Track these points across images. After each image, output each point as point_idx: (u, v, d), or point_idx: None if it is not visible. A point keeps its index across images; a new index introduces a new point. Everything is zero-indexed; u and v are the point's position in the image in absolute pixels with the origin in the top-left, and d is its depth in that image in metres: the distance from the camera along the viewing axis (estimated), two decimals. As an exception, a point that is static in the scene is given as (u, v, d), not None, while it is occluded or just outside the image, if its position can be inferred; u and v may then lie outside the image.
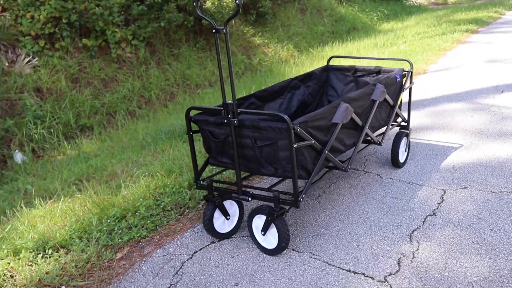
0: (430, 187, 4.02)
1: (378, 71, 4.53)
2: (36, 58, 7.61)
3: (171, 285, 3.01)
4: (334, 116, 3.33)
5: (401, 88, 4.27)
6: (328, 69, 4.78)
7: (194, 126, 3.45)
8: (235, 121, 3.05)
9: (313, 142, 3.10)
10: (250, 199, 3.20)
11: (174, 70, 8.89)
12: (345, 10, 14.03)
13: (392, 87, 4.12)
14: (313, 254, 3.19)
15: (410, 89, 4.46)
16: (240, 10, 2.84)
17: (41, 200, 4.37)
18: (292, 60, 10.26)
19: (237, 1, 2.80)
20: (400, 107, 4.41)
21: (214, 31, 2.96)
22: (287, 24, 11.89)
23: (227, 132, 3.19)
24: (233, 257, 3.24)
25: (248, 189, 3.79)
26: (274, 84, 4.28)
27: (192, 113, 3.60)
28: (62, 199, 4.31)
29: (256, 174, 3.85)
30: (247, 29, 10.88)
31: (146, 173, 4.57)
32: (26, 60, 7.51)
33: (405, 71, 4.36)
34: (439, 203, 3.73)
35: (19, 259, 3.35)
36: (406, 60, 4.41)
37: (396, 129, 5.22)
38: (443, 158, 4.59)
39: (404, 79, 4.31)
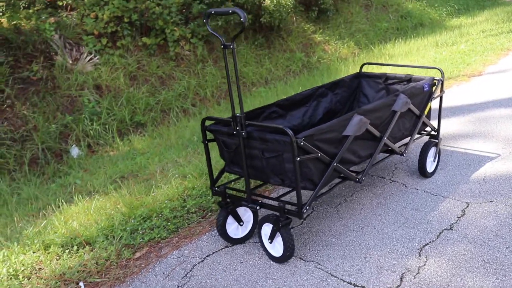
0: (454, 199, 3.96)
1: (409, 79, 4.48)
2: (98, 56, 8.01)
3: (178, 286, 3.18)
4: (346, 128, 3.36)
5: (429, 98, 4.21)
6: (360, 76, 4.77)
7: (210, 135, 3.58)
8: (243, 133, 3.16)
9: (319, 155, 3.16)
10: (258, 207, 3.30)
11: (231, 68, 9.06)
12: (413, 5, 13.70)
13: (419, 97, 4.08)
14: (319, 264, 3.26)
15: (441, 97, 4.38)
16: (246, 26, 2.93)
17: (80, 196, 4.66)
18: (351, 58, 10.19)
19: (242, 19, 2.90)
20: (429, 116, 4.34)
21: (222, 46, 3.07)
22: (350, 21, 11.79)
23: (237, 143, 3.30)
24: (242, 262, 3.36)
25: (258, 198, 3.88)
26: (299, 92, 4.33)
27: (208, 122, 3.73)
28: (97, 197, 4.58)
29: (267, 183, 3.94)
30: (307, 26, 10.89)
31: (178, 175, 4.76)
32: (88, 58, 7.93)
33: (436, 79, 4.29)
34: (458, 217, 3.68)
35: (48, 253, 3.63)
36: (437, 69, 4.34)
37: (426, 138, 5.12)
38: (476, 168, 4.48)
39: (434, 88, 4.24)
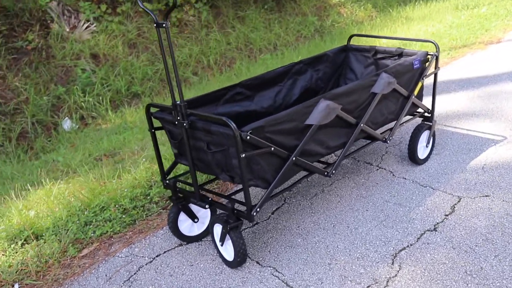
0: (444, 192, 3.46)
1: (399, 54, 3.93)
2: (95, 24, 7.60)
3: (117, 293, 2.82)
4: (310, 116, 2.89)
5: (420, 75, 3.67)
6: (347, 49, 4.24)
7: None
8: (185, 124, 2.72)
9: (272, 149, 2.70)
10: (207, 206, 2.88)
11: (237, 33, 8.55)
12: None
13: (407, 75, 3.55)
14: (276, 271, 2.84)
15: (435, 75, 3.83)
16: (177, 1, 2.47)
17: (47, 179, 4.32)
18: (367, 22, 9.50)
19: None
20: (421, 96, 3.81)
21: (155, 25, 2.62)
22: (369, -19, 11.02)
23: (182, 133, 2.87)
24: (192, 265, 2.97)
25: (209, 194, 3.45)
26: (271, 70, 3.82)
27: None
28: (63, 179, 4.23)
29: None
30: (324, -13, 10.22)
31: (150, 157, 4.37)
32: (85, 26, 7.53)
33: (430, 54, 3.74)
34: (446, 215, 3.19)
35: (-8, 248, 3.31)
36: (431, 42, 3.77)
37: (419, 120, 4.55)
38: (476, 154, 3.95)
39: (427, 64, 3.70)
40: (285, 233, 3.18)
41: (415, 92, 3.66)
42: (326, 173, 3.13)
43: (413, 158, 3.85)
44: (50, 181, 4.28)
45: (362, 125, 3.26)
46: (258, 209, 2.71)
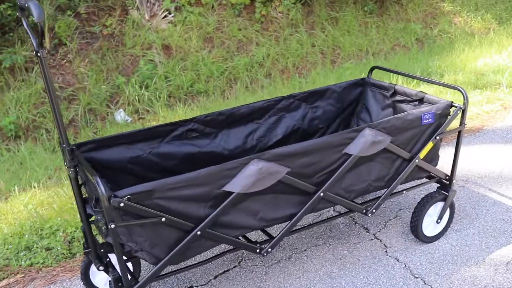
0: (436, 292, 2.65)
1: (420, 99, 3.11)
2: (173, 14, 7.33)
3: None
4: (231, 181, 2.28)
5: (434, 133, 2.85)
6: (364, 84, 3.47)
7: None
8: (70, 171, 2.26)
9: (163, 219, 2.15)
10: (101, 267, 2.42)
11: (326, 36, 7.81)
12: None
13: (410, 132, 2.78)
14: None
15: (460, 133, 2.97)
16: (43, 27, 1.99)
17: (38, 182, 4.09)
18: (480, 36, 8.24)
19: (34, 19, 1.98)
20: (436, 155, 2.99)
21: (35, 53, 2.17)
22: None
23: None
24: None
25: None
26: (246, 104, 3.17)
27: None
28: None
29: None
30: (440, -9, 9.06)
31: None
32: (163, 15, 7.29)
33: (454, 105, 2.89)
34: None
35: None
36: (459, 89, 2.91)
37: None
38: (509, 241, 3.02)
39: (448, 118, 2.87)
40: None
41: (422, 155, 2.85)
42: (258, 250, 2.52)
43: (416, 233, 3.06)
44: (44, 182, 4.05)
45: (322, 194, 2.57)
46: None
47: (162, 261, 2.29)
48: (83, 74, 6.47)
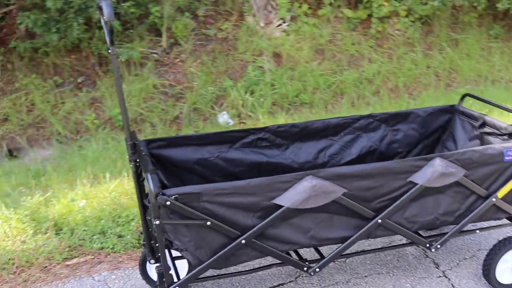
0: None
1: (510, 133, 2.83)
2: (287, 23, 7.35)
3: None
4: (283, 194, 2.21)
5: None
6: (453, 111, 3.22)
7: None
8: (131, 165, 2.31)
9: (208, 223, 2.13)
10: (152, 261, 2.46)
11: (444, 57, 7.43)
12: None
13: (488, 167, 2.54)
14: None
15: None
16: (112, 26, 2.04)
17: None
18: None
19: (104, 17, 2.06)
20: None
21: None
22: None
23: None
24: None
25: None
26: (321, 119, 3.05)
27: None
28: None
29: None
30: None
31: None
32: (277, 23, 7.33)
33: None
34: None
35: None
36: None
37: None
38: None
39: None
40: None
41: (501, 194, 2.58)
42: (306, 268, 2.42)
43: (488, 278, 2.79)
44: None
45: (381, 221, 2.41)
46: None
47: (204, 264, 2.28)
48: (193, 74, 6.67)
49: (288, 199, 2.26)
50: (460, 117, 3.30)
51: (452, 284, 2.90)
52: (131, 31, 6.74)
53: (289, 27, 7.36)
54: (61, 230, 3.33)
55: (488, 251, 2.83)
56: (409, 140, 3.26)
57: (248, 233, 2.27)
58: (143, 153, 2.46)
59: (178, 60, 6.87)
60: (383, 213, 2.45)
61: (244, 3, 7.56)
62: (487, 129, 3.07)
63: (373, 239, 2.88)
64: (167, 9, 6.99)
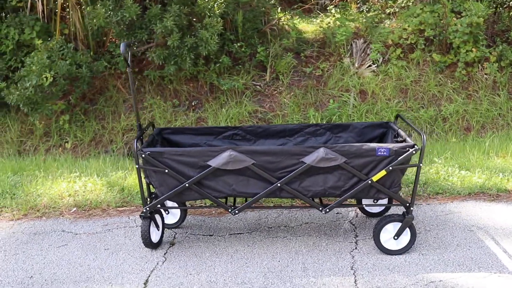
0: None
1: (404, 140, 4.23)
2: (376, 64, 8.82)
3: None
4: (213, 159, 3.93)
5: (388, 164, 3.94)
6: (387, 127, 4.63)
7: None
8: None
9: (166, 171, 3.95)
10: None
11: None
12: None
13: (364, 159, 3.94)
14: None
15: (418, 168, 3.99)
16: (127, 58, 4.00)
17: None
18: None
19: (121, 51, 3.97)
20: (395, 183, 4.05)
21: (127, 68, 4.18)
22: None
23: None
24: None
25: None
26: (281, 124, 4.63)
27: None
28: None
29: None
30: None
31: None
32: (368, 65, 8.85)
33: (407, 148, 3.95)
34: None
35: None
36: (419, 133, 3.96)
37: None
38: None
39: (402, 156, 3.93)
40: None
41: (375, 178, 3.97)
42: (230, 210, 4.08)
43: (375, 241, 4.16)
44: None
45: (280, 185, 3.98)
46: (147, 208, 4.05)
47: (164, 195, 4.06)
48: (286, 104, 8.49)
49: (214, 161, 3.95)
50: (391, 131, 4.64)
51: (356, 247, 4.28)
52: (240, 66, 8.81)
53: (379, 68, 8.82)
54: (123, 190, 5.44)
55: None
56: None
57: (190, 180, 3.99)
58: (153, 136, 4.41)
59: (276, 92, 8.74)
60: (281, 180, 3.98)
61: (346, 46, 9.22)
62: (399, 139, 4.42)
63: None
64: (277, 49, 8.95)
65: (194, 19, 8.07)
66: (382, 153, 3.92)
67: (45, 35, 8.34)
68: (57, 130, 8.15)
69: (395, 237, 4.13)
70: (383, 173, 3.95)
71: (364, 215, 4.87)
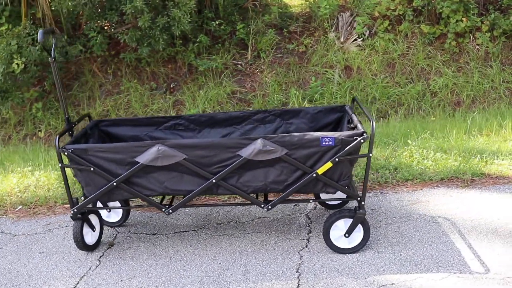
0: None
1: (355, 126, 3.78)
2: (361, 39, 8.27)
3: None
4: (141, 155, 3.52)
5: (334, 155, 3.49)
6: (343, 111, 4.16)
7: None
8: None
9: (92, 169, 3.54)
10: None
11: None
12: None
13: (308, 150, 3.50)
14: None
15: (368, 159, 3.52)
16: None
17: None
18: None
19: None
20: (345, 176, 3.60)
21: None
22: None
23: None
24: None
25: None
26: (224, 112, 4.18)
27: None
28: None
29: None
30: None
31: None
32: (353, 39, 8.30)
33: (357, 135, 3.49)
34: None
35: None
36: (369, 120, 3.49)
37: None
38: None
39: (350, 146, 3.47)
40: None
41: (320, 171, 3.52)
42: (163, 209, 3.68)
43: (325, 238, 3.75)
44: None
45: (215, 181, 3.56)
46: (75, 210, 3.69)
47: (91, 196, 3.67)
48: (267, 84, 8.01)
49: (142, 158, 3.52)
50: (346, 115, 4.15)
51: (307, 245, 3.86)
52: (219, 45, 8.33)
53: (365, 42, 8.27)
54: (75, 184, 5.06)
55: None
56: (300, 132, 4.19)
57: (117, 179, 3.59)
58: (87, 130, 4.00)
59: (258, 70, 8.26)
60: (217, 175, 3.56)
61: (332, 20, 8.67)
62: (351, 125, 3.95)
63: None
64: (258, 25, 8.45)
65: (167, -2, 7.57)
66: (327, 143, 3.47)
67: (16, 20, 7.92)
68: (31, 119, 7.79)
69: (346, 235, 3.69)
70: (329, 165, 3.51)
71: (323, 208, 4.43)
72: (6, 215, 4.78)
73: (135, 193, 3.67)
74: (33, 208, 4.83)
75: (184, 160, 3.52)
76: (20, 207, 4.85)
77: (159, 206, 3.76)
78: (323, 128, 4.24)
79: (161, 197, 4.18)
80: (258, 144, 3.47)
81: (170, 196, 4.25)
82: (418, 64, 7.97)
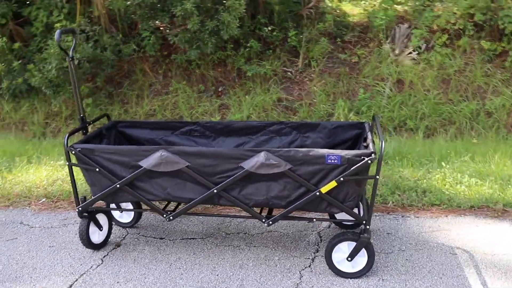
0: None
1: (368, 145, 3.55)
2: (417, 52, 7.91)
3: None
4: (145, 159, 3.47)
5: (340, 174, 3.30)
6: (362, 127, 3.97)
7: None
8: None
9: (97, 169, 3.52)
10: None
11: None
12: None
13: (312, 167, 3.33)
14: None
15: (376, 181, 3.30)
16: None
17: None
18: None
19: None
20: (351, 197, 3.39)
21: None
22: None
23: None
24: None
25: None
26: (242, 121, 4.03)
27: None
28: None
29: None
30: None
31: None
32: (408, 52, 7.96)
33: (364, 156, 3.28)
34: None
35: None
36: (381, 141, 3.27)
37: None
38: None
39: (356, 166, 3.26)
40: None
41: (324, 189, 3.34)
42: (165, 215, 3.60)
43: (327, 260, 3.56)
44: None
45: (216, 191, 3.45)
46: (80, 208, 3.72)
47: (96, 196, 3.64)
48: (315, 93, 7.81)
49: (145, 162, 3.46)
50: (368, 132, 3.91)
51: (310, 265, 3.66)
52: (270, 51, 8.22)
53: (420, 55, 7.91)
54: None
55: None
56: (316, 147, 4.00)
57: (121, 181, 3.55)
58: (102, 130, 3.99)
59: (307, 79, 8.09)
60: (218, 186, 3.44)
61: (388, 32, 8.36)
62: (365, 144, 3.71)
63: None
64: (312, 33, 8.28)
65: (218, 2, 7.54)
66: (332, 161, 3.28)
67: (74, 17, 8.13)
68: (80, 113, 7.96)
69: (349, 258, 3.48)
70: (333, 184, 3.32)
71: (337, 227, 4.22)
72: (29, 206, 4.87)
73: (138, 197, 3.63)
74: (55, 202, 4.89)
75: (187, 168, 3.44)
76: (43, 199, 4.93)
77: (161, 212, 3.69)
78: (340, 144, 4.04)
79: (166, 202, 4.12)
80: (261, 157, 3.33)
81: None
82: (475, 82, 7.54)
